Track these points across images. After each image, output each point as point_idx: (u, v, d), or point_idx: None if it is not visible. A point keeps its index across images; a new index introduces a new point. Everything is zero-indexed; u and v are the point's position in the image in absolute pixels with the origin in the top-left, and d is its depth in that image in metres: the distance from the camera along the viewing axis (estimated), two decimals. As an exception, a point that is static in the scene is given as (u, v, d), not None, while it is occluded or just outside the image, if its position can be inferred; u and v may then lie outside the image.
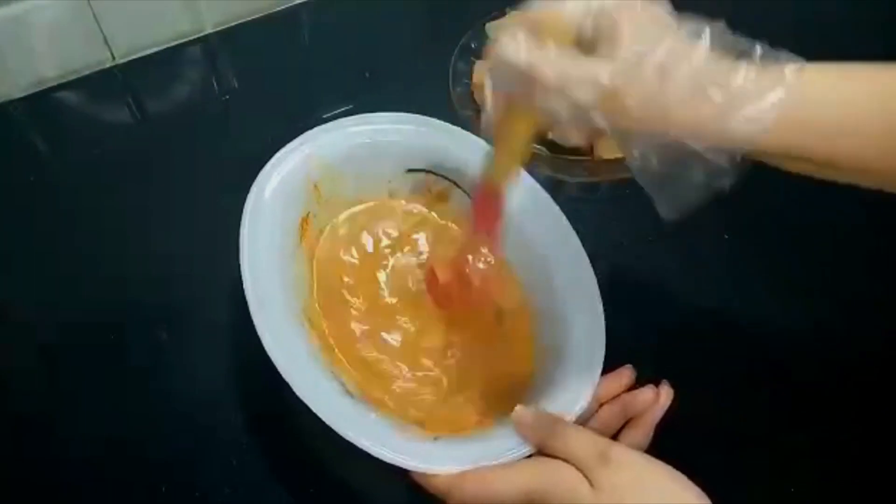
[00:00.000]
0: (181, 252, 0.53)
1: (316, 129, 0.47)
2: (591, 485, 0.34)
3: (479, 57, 0.60)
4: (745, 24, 0.35)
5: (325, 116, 0.57)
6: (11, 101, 0.61)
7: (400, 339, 0.45)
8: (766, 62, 0.33)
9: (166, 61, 0.64)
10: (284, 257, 0.43)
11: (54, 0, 0.57)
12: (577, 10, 0.34)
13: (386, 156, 0.48)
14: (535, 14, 0.35)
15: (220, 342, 0.49)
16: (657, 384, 0.41)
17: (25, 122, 0.61)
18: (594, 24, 0.34)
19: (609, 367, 0.41)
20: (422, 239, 0.49)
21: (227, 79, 0.65)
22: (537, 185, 0.47)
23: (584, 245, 0.46)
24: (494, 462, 0.36)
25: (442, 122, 0.49)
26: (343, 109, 0.57)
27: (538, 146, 0.54)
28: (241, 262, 0.40)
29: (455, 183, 0.49)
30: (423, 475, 0.36)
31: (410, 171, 0.49)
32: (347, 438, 0.36)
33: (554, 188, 0.48)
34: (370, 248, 0.48)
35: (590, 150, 0.56)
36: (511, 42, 0.34)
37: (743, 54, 0.34)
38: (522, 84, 0.34)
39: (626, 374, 0.41)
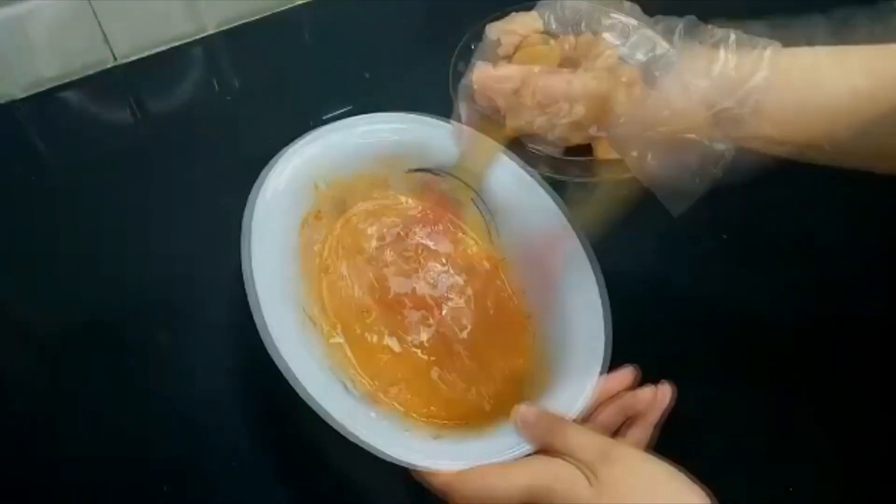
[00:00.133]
0: (182, 252, 0.53)
1: (320, 129, 0.47)
2: (593, 483, 0.34)
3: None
4: (720, 12, 0.36)
5: (325, 117, 0.57)
6: (12, 102, 0.61)
7: (403, 337, 0.45)
8: (743, 48, 0.34)
9: (167, 61, 0.64)
10: (287, 256, 0.43)
11: (55, 0, 0.57)
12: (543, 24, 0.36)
13: (390, 155, 0.48)
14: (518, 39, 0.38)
15: (220, 342, 0.49)
16: (658, 384, 0.41)
17: (26, 122, 0.61)
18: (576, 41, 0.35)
19: (610, 366, 0.41)
20: (425, 238, 0.49)
21: (228, 79, 0.65)
22: (541, 185, 0.48)
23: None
24: (496, 460, 0.36)
25: (446, 122, 0.49)
26: (343, 110, 0.57)
27: (537, 147, 0.54)
28: (244, 261, 0.40)
29: (461, 182, 0.49)
30: (425, 473, 0.36)
31: (414, 170, 0.49)
32: (349, 437, 0.36)
33: (554, 188, 0.48)
34: (374, 247, 0.48)
35: (590, 151, 0.56)
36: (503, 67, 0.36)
37: (719, 43, 0.34)
38: (511, 100, 0.36)
39: (627, 374, 0.41)
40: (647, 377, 0.41)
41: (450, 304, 0.47)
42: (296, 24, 0.67)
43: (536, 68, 0.39)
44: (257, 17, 0.66)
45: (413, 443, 0.38)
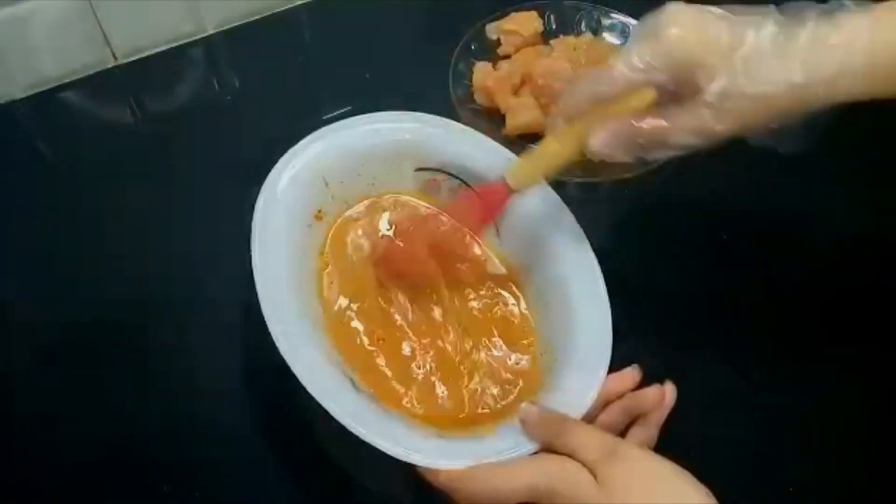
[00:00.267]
0: (182, 251, 0.53)
1: (327, 127, 0.47)
2: (598, 481, 0.34)
3: (478, 58, 0.60)
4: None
5: (325, 117, 0.57)
6: (13, 102, 0.61)
7: (410, 335, 0.45)
8: (834, 19, 0.35)
9: (168, 61, 0.64)
10: (295, 254, 0.43)
11: (56, 0, 0.57)
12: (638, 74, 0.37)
13: (397, 154, 0.49)
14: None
15: (223, 340, 0.49)
16: (661, 383, 0.41)
17: (27, 122, 0.61)
18: (669, 76, 0.37)
19: (613, 366, 0.41)
20: (429, 236, 0.49)
21: (229, 79, 0.65)
22: (548, 187, 0.48)
23: (585, 245, 0.46)
24: (499, 459, 0.36)
25: (453, 122, 0.49)
26: (343, 110, 0.57)
27: (533, 146, 0.55)
28: (253, 260, 0.40)
29: (465, 182, 0.49)
30: (430, 471, 0.36)
31: (420, 169, 0.49)
32: (356, 434, 0.36)
33: (554, 188, 0.48)
34: (378, 246, 0.48)
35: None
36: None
37: (808, 20, 0.36)
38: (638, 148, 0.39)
39: (631, 374, 0.41)
40: (648, 377, 0.41)
41: (454, 302, 0.47)
42: (296, 24, 0.67)
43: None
44: (257, 18, 0.66)
45: (417, 441, 0.38)
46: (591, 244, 0.46)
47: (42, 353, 0.49)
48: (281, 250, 0.42)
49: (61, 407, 0.47)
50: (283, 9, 0.67)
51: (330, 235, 0.47)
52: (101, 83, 0.62)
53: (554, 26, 0.63)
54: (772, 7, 0.37)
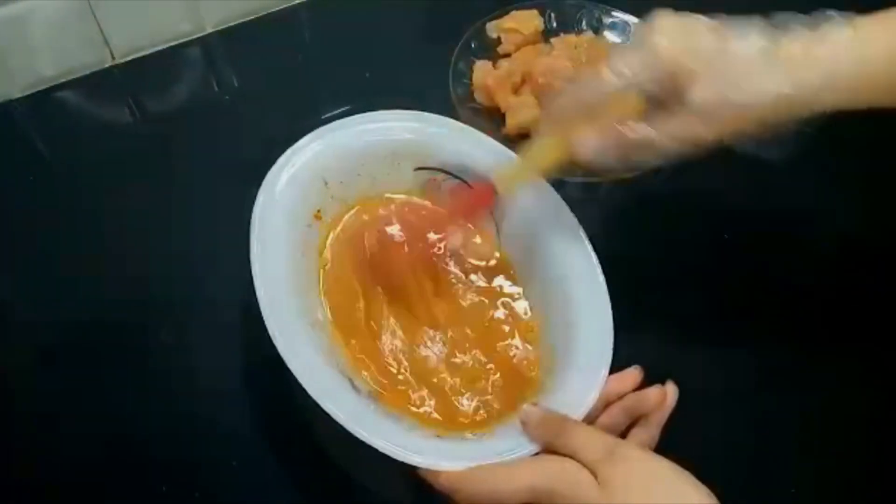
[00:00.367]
0: (181, 251, 0.53)
1: (326, 126, 0.47)
2: (599, 482, 0.34)
3: (479, 57, 0.60)
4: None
5: (324, 116, 0.57)
6: (11, 101, 0.61)
7: (409, 335, 0.45)
8: (818, 29, 0.36)
9: (166, 61, 0.64)
10: (295, 254, 0.43)
11: (54, 0, 0.57)
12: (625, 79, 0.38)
13: (396, 153, 0.48)
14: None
15: (222, 340, 0.49)
16: (662, 384, 0.41)
17: (25, 121, 0.61)
18: (656, 83, 0.37)
19: (614, 366, 0.41)
20: (431, 236, 0.49)
21: (227, 79, 0.65)
22: (548, 187, 0.48)
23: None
24: (500, 460, 0.36)
25: (453, 121, 0.49)
26: (343, 109, 0.56)
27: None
28: (252, 260, 0.40)
29: (465, 182, 0.49)
30: (430, 472, 0.36)
31: (420, 168, 0.49)
32: (356, 435, 0.36)
33: (554, 188, 0.48)
34: (380, 245, 0.48)
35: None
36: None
37: (793, 30, 0.37)
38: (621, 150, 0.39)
39: (632, 375, 0.41)
40: (649, 377, 0.41)
41: (455, 301, 0.47)
42: (295, 24, 0.67)
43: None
44: (256, 17, 0.66)
45: (418, 442, 0.38)
46: (591, 244, 0.46)
47: (42, 353, 0.49)
48: (280, 250, 0.42)
49: (61, 407, 0.47)
50: (281, 8, 0.67)
51: (331, 235, 0.47)
52: (100, 83, 0.62)
53: (554, 24, 0.63)
54: (758, 18, 0.37)
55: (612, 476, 0.34)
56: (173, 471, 0.45)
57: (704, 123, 0.37)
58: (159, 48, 0.64)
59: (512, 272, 0.49)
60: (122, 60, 0.63)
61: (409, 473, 0.37)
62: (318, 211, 0.46)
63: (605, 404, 0.40)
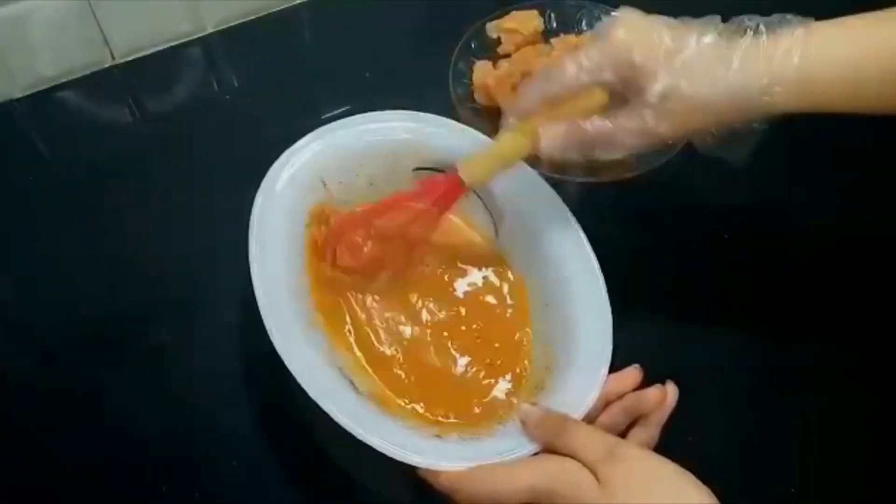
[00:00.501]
0: (181, 252, 0.53)
1: (326, 127, 0.47)
2: (599, 482, 0.34)
3: (479, 57, 0.60)
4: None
5: (324, 116, 0.57)
6: (11, 101, 0.61)
7: (407, 333, 0.45)
8: (773, 30, 0.37)
9: (166, 61, 0.64)
10: (294, 253, 0.43)
11: (54, 0, 0.57)
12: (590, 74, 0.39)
13: (395, 153, 0.48)
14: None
15: (222, 341, 0.49)
16: (662, 384, 0.41)
17: (25, 122, 0.61)
18: (615, 76, 0.38)
19: (614, 366, 0.41)
20: (430, 234, 0.49)
21: (227, 79, 0.65)
22: (547, 186, 0.48)
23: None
24: (500, 460, 0.36)
25: (451, 121, 0.49)
26: (343, 109, 0.57)
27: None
28: (251, 260, 0.40)
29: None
30: (430, 472, 0.36)
31: (419, 168, 0.49)
32: (355, 435, 0.36)
33: (554, 188, 0.48)
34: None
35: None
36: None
37: (749, 30, 0.37)
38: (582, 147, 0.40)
39: (631, 374, 0.41)
40: (649, 377, 0.41)
41: (454, 301, 0.47)
42: (295, 24, 0.67)
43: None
44: (256, 17, 0.66)
45: (417, 442, 0.38)
46: (591, 244, 0.46)
47: (42, 353, 0.49)
48: (279, 250, 0.42)
49: (61, 407, 0.47)
50: (282, 8, 0.67)
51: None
52: (100, 83, 0.62)
53: (554, 24, 0.63)
54: (716, 17, 0.38)
55: (613, 476, 0.34)
56: (173, 471, 0.45)
57: (661, 118, 0.38)
58: (159, 48, 0.64)
59: (510, 270, 0.49)
60: (123, 60, 0.63)
61: (409, 473, 0.37)
62: (318, 210, 0.46)
63: (604, 404, 0.40)
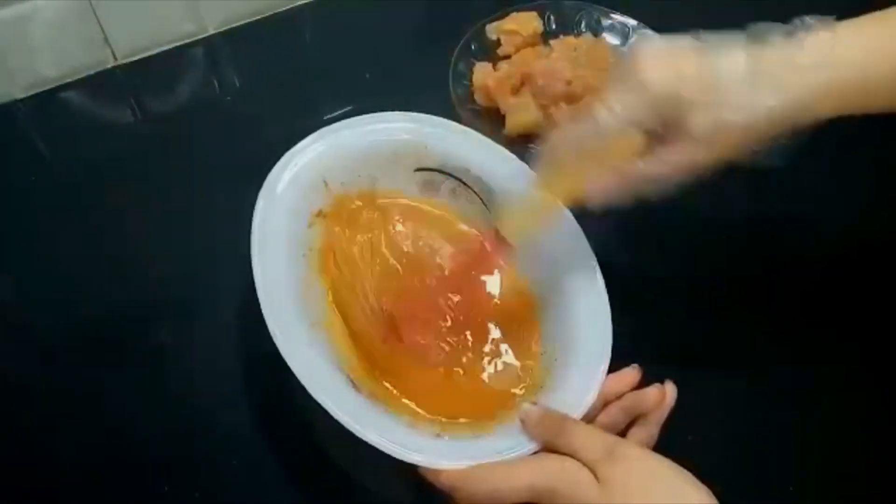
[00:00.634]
0: (181, 252, 0.53)
1: (327, 128, 0.47)
2: (598, 481, 0.34)
3: (478, 58, 0.60)
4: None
5: (325, 117, 0.57)
6: (13, 102, 0.61)
7: (409, 334, 0.45)
8: (799, 38, 0.36)
9: (168, 62, 0.64)
10: (295, 254, 0.43)
11: (56, 0, 0.57)
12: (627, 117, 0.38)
13: (396, 154, 0.49)
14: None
15: (223, 340, 0.49)
16: (661, 383, 0.41)
17: (27, 122, 0.61)
18: (654, 118, 0.37)
19: (613, 366, 0.41)
20: (430, 237, 0.49)
21: (229, 79, 0.65)
22: None
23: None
24: (500, 459, 0.36)
25: (453, 122, 0.49)
26: (343, 110, 0.57)
27: (534, 146, 0.55)
28: (253, 260, 0.40)
29: (464, 182, 0.49)
30: (430, 471, 0.36)
31: (420, 169, 0.49)
32: (356, 433, 0.36)
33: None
34: (381, 244, 0.48)
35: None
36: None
37: (775, 42, 0.37)
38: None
39: (630, 374, 0.41)
40: (648, 376, 0.41)
41: (457, 301, 0.47)
42: (296, 24, 0.67)
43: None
44: (258, 18, 0.66)
45: (418, 440, 0.38)
46: (591, 244, 0.46)
47: (42, 353, 0.49)
48: (280, 250, 0.42)
49: (61, 407, 0.47)
50: (283, 9, 0.67)
51: (332, 235, 0.47)
52: (102, 83, 0.62)
53: (554, 26, 0.63)
54: (738, 33, 0.37)
55: (612, 475, 0.34)
56: (173, 471, 0.45)
57: (706, 149, 0.37)
58: (161, 49, 0.64)
59: (511, 270, 0.49)
60: (124, 61, 0.63)
61: (409, 472, 0.37)
62: (320, 209, 0.46)
63: (603, 403, 0.41)
